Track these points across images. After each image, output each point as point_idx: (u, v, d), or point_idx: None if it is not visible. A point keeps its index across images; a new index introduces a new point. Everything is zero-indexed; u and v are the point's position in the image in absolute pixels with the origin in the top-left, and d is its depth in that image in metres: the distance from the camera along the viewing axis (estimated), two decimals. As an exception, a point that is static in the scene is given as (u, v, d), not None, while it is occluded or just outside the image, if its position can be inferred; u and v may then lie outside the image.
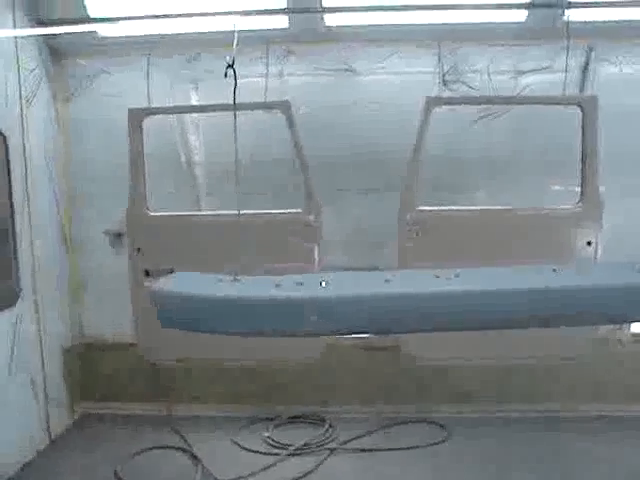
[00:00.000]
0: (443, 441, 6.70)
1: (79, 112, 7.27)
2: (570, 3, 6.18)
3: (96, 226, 7.29)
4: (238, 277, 3.80)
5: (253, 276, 3.97)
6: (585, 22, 6.36)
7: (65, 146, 7.32)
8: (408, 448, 6.54)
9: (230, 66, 3.77)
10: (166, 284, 3.93)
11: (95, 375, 7.50)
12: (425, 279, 3.70)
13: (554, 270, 3.92)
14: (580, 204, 6.00)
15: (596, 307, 3.48)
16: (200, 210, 7.25)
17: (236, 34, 3.77)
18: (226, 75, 3.79)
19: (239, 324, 3.43)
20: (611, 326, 6.83)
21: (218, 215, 6.40)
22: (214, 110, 6.39)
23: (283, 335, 3.61)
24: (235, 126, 3.97)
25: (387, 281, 3.64)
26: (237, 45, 3.74)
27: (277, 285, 3.63)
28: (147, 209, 6.28)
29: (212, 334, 3.59)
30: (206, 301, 3.58)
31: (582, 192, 5.98)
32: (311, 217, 6.19)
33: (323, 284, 3.63)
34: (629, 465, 6.08)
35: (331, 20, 6.85)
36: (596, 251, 5.91)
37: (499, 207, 6.29)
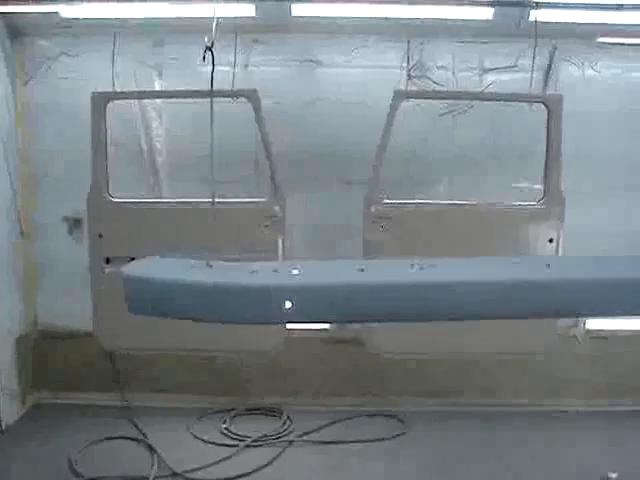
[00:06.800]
0: (401, 434, 6.74)
1: (39, 93, 7.06)
2: (537, 3, 6.25)
3: (54, 212, 7.14)
4: (211, 263, 3.74)
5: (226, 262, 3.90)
6: (550, 23, 6.43)
7: (23, 128, 7.10)
8: (366, 441, 6.57)
9: (209, 49, 3.70)
10: (136, 269, 3.84)
11: (49, 364, 7.33)
12: (400, 268, 3.69)
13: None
14: (543, 201, 6.07)
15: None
16: (161, 197, 7.12)
17: (215, 18, 3.71)
18: (204, 58, 3.72)
19: (213, 311, 3.38)
20: (566, 322, 6.98)
21: (181, 202, 6.28)
22: (180, 96, 6.31)
23: (255, 322, 3.58)
24: (211, 112, 3.89)
25: (361, 270, 3.63)
26: (215, 29, 3.68)
27: (252, 272, 3.59)
28: (109, 194, 6.15)
29: (177, 322, 3.52)
30: (180, 287, 3.51)
31: (545, 190, 6.05)
32: (276, 208, 6.13)
33: (295, 272, 3.60)
34: (583, 460, 6.20)
35: (298, 10, 6.80)
36: (557, 248, 5.99)
37: (463, 202, 6.32)
